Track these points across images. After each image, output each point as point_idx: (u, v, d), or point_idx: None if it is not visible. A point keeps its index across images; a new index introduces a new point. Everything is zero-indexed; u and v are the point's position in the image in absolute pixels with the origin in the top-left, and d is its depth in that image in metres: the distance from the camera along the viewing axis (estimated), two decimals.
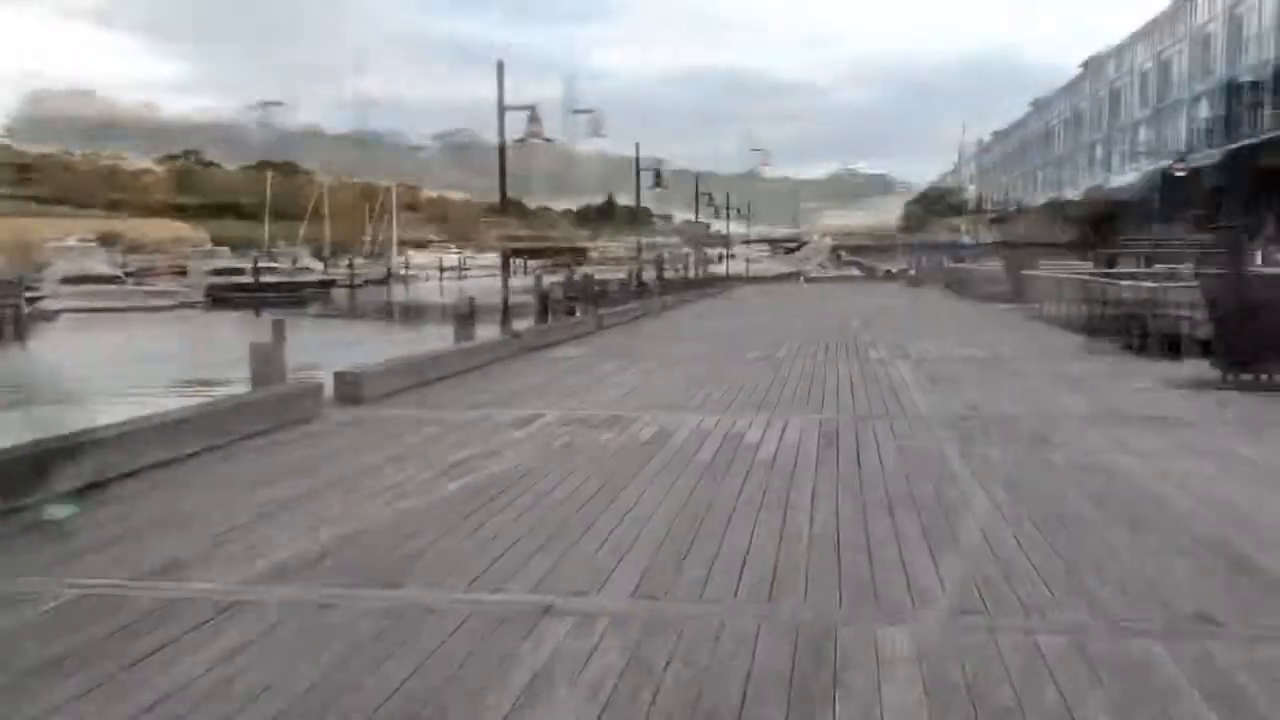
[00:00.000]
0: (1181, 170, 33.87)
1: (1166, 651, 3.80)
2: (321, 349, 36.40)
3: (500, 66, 15.07)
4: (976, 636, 3.99)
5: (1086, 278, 23.44)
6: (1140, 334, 22.81)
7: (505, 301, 16.02)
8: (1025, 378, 12.39)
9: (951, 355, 15.22)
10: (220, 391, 12.27)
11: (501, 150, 15.05)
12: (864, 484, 6.67)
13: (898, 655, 3.80)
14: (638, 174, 26.74)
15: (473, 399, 11.01)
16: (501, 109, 14.95)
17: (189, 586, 4.72)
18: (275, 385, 9.79)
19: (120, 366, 24.12)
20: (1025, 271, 26.37)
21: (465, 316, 14.96)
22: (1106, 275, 32.22)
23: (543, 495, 6.49)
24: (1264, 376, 10.93)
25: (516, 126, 15.74)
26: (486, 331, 16.17)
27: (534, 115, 15.02)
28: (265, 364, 10.30)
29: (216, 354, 33.46)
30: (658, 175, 27.53)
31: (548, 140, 15.37)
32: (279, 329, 10.38)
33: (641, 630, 4.10)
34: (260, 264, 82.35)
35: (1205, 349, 19.70)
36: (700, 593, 4.56)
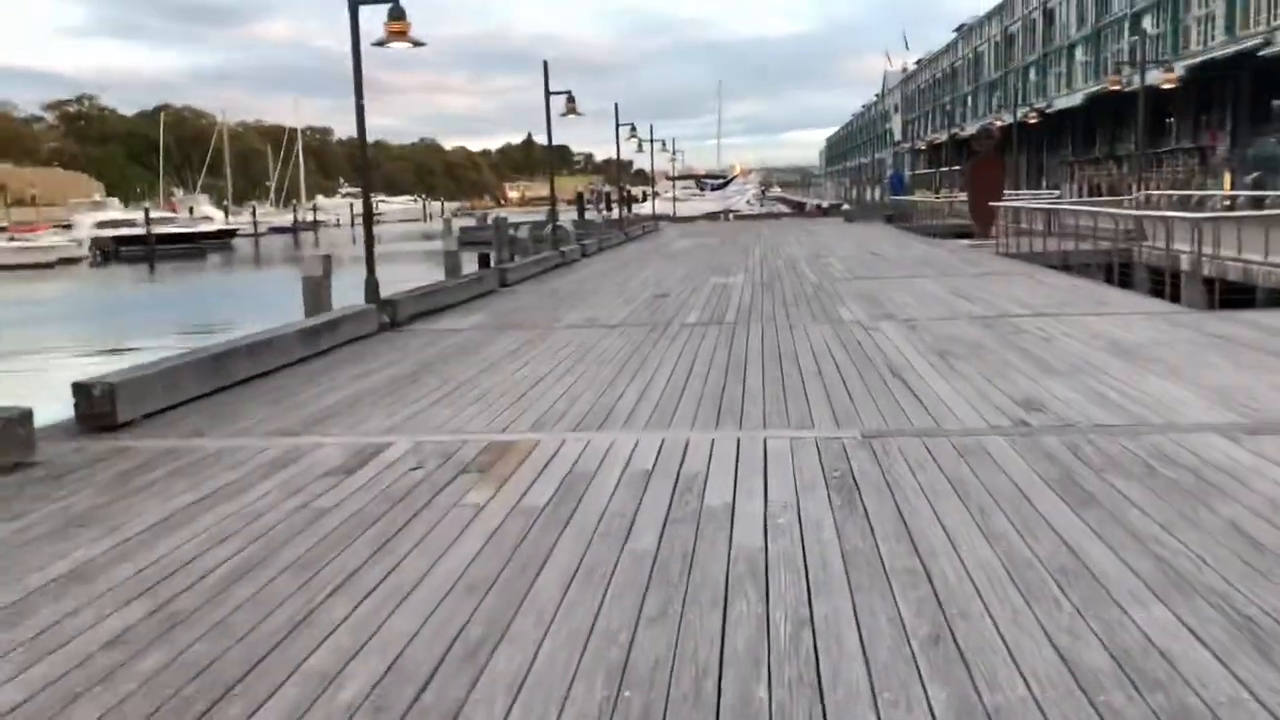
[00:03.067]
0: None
1: None
2: (225, 308, 32.13)
3: None
4: None
5: (1067, 208, 20.60)
6: (1124, 269, 20.12)
7: (370, 255, 12.25)
8: (1062, 345, 9.23)
9: (944, 314, 12.03)
10: None
11: (357, 59, 11.34)
12: (956, 630, 3.40)
13: None
14: (547, 100, 23.02)
15: (293, 414, 7.46)
16: (354, 1, 11.23)
17: None
18: None
19: None
20: (994, 203, 23.32)
21: (317, 280, 11.29)
22: (1082, 204, 29.46)
23: (326, 680, 3.10)
24: None
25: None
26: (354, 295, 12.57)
27: (396, 10, 11.29)
28: None
29: (44, 328, 29.00)
30: (570, 99, 23.82)
31: (419, 44, 11.67)
32: None
33: None
34: (153, 214, 76.65)
35: (1210, 288, 17.01)
36: None
